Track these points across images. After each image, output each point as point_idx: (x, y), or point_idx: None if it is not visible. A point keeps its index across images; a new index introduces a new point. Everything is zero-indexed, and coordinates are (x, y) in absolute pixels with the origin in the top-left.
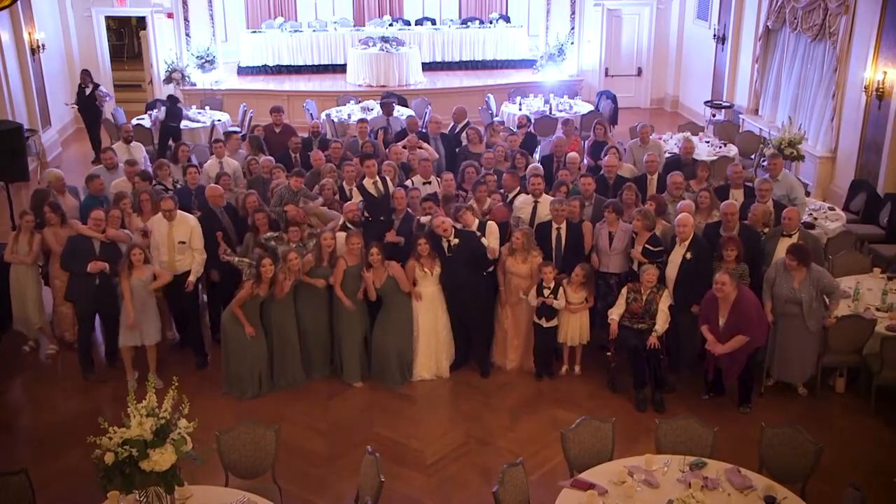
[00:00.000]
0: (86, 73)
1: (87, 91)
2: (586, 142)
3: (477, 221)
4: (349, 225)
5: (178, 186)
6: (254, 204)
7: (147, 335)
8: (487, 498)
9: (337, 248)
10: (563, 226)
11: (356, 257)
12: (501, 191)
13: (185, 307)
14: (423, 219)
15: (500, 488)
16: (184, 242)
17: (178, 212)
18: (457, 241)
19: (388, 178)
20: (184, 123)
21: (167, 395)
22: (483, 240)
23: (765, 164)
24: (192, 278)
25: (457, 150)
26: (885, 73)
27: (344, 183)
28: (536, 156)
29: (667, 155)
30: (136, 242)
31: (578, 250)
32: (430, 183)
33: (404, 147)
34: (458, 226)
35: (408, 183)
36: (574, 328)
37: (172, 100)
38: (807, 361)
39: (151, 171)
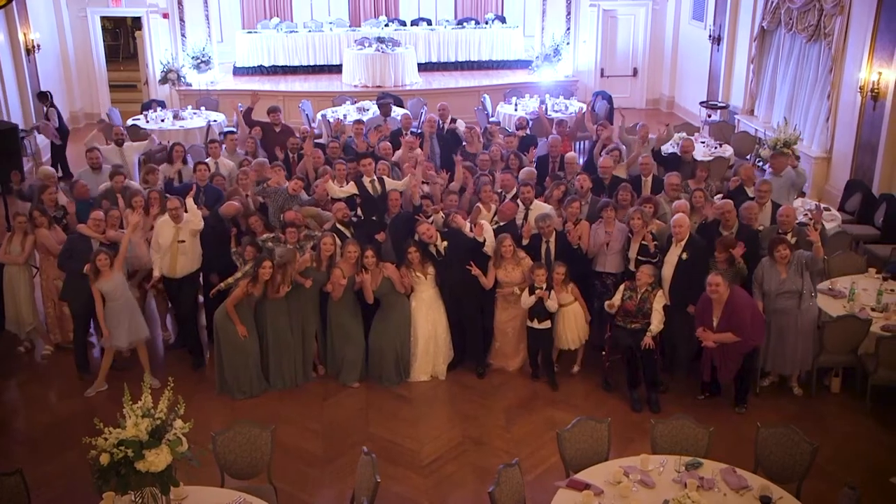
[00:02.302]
0: None
1: None
2: (587, 142)
3: (468, 225)
4: (339, 226)
5: (184, 182)
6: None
7: (125, 335)
8: (483, 498)
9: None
10: (552, 239)
11: (352, 267)
12: (499, 191)
13: (183, 307)
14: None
15: (496, 489)
16: (183, 241)
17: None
18: (445, 243)
19: (385, 178)
20: (179, 124)
21: (163, 396)
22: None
23: (765, 167)
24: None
25: (456, 149)
26: (879, 73)
27: (336, 179)
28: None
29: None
30: (99, 248)
31: (568, 261)
32: (427, 183)
33: (402, 145)
34: (444, 229)
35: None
36: (572, 331)
37: (45, 96)
38: (801, 355)
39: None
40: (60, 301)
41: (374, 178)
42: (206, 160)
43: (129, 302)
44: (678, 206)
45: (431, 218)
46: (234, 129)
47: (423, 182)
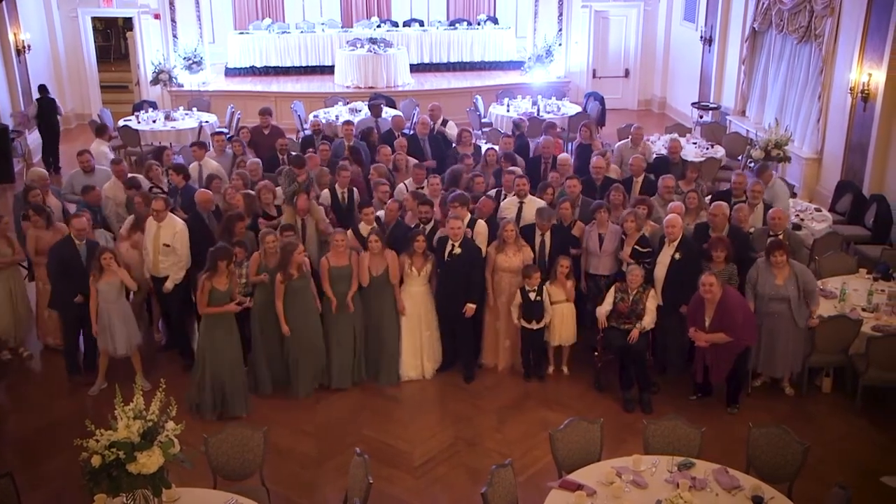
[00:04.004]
0: None
1: None
2: (572, 143)
3: (468, 216)
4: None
5: (171, 186)
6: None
7: (118, 344)
8: (476, 499)
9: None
10: (548, 233)
11: (342, 257)
12: (497, 189)
13: (173, 309)
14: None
15: (488, 489)
16: (168, 245)
17: (169, 214)
18: (459, 250)
19: (355, 191)
20: (170, 125)
21: (155, 398)
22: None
23: (754, 166)
24: (168, 284)
25: (447, 150)
26: (870, 74)
27: (337, 185)
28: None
29: (654, 155)
30: (105, 246)
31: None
32: (423, 187)
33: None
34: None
35: (400, 187)
36: (566, 328)
37: (43, 90)
38: (793, 357)
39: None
40: (50, 308)
41: (346, 189)
42: (191, 163)
43: (122, 308)
44: (672, 206)
45: (431, 224)
46: (224, 130)
47: (419, 187)
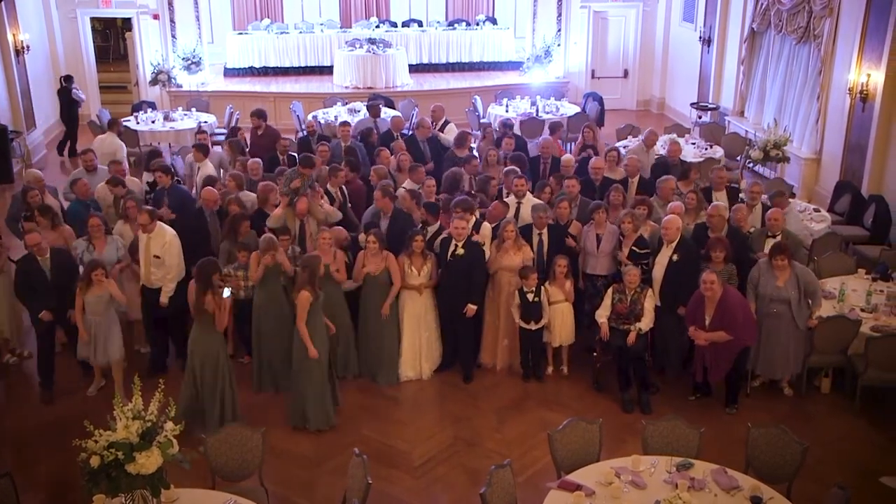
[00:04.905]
0: None
1: None
2: (572, 144)
3: (474, 219)
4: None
5: (157, 189)
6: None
7: (98, 355)
8: (475, 499)
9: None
10: (545, 231)
11: (326, 255)
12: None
13: (170, 310)
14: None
15: (487, 490)
16: (158, 257)
17: (158, 224)
18: (463, 251)
19: (345, 190)
20: (169, 125)
21: (153, 398)
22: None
23: (755, 167)
24: (163, 299)
25: (443, 152)
26: (868, 75)
27: (329, 185)
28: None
29: (654, 157)
30: (97, 261)
31: (561, 254)
32: (420, 187)
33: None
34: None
35: (401, 191)
36: (565, 328)
37: (66, 80)
38: (791, 359)
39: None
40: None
41: (338, 189)
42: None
43: (106, 323)
44: (672, 207)
45: (436, 228)
46: (207, 129)
47: (417, 188)
